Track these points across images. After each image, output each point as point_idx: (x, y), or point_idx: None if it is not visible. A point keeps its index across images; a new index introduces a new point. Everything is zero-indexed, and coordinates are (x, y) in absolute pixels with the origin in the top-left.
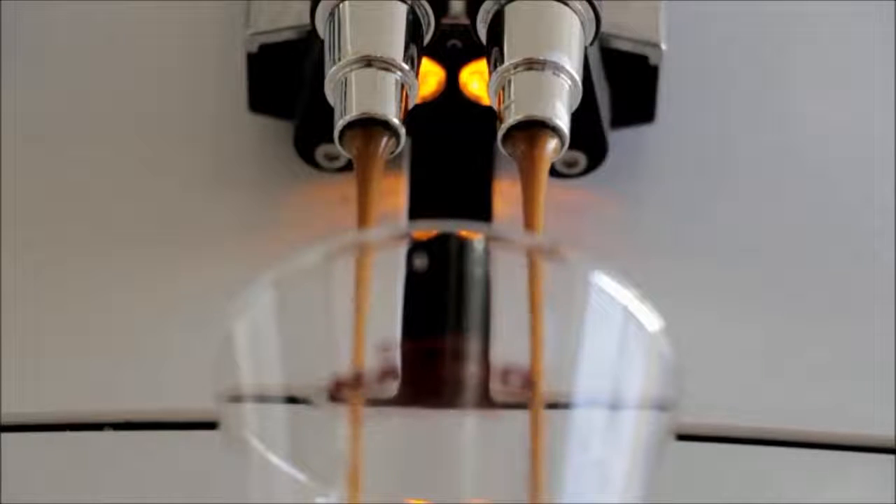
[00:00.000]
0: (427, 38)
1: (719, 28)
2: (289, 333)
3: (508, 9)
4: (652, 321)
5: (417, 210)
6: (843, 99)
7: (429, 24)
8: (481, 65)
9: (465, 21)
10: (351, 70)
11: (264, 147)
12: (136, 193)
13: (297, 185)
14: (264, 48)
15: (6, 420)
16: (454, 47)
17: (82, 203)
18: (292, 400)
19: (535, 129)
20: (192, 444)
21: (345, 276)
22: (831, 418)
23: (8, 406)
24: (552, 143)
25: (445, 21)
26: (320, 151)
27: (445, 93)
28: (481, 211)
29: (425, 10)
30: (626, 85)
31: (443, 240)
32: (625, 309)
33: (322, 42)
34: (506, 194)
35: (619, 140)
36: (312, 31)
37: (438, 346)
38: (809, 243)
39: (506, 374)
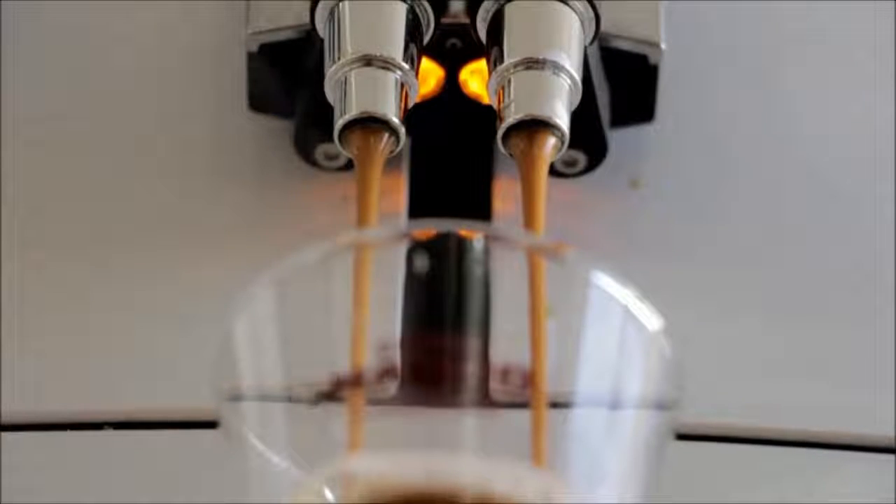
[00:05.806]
0: (427, 38)
1: (719, 28)
2: (289, 332)
3: (508, 8)
4: (652, 321)
5: (417, 209)
6: (843, 99)
7: (428, 23)
8: (481, 64)
9: (465, 20)
10: (351, 69)
11: (264, 146)
12: (136, 193)
13: (297, 184)
14: (264, 47)
15: (6, 420)
16: (454, 46)
17: (82, 203)
18: (292, 399)
19: (534, 128)
20: (193, 443)
21: (344, 275)
22: (831, 418)
23: (8, 406)
24: (552, 143)
25: (445, 20)
26: (320, 150)
27: (445, 92)
28: (481, 210)
29: (425, 9)
30: (625, 84)
31: (442, 239)
32: (625, 308)
33: (322, 41)
34: (505, 193)
35: (619, 139)
36: (312, 31)
37: (438, 345)
38: (809, 243)
39: (505, 373)
